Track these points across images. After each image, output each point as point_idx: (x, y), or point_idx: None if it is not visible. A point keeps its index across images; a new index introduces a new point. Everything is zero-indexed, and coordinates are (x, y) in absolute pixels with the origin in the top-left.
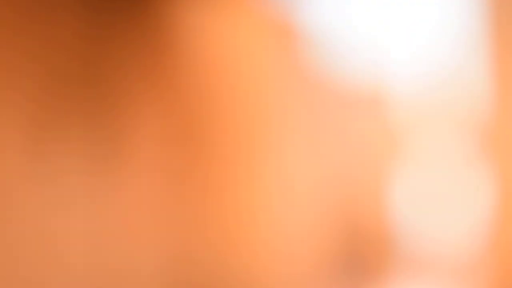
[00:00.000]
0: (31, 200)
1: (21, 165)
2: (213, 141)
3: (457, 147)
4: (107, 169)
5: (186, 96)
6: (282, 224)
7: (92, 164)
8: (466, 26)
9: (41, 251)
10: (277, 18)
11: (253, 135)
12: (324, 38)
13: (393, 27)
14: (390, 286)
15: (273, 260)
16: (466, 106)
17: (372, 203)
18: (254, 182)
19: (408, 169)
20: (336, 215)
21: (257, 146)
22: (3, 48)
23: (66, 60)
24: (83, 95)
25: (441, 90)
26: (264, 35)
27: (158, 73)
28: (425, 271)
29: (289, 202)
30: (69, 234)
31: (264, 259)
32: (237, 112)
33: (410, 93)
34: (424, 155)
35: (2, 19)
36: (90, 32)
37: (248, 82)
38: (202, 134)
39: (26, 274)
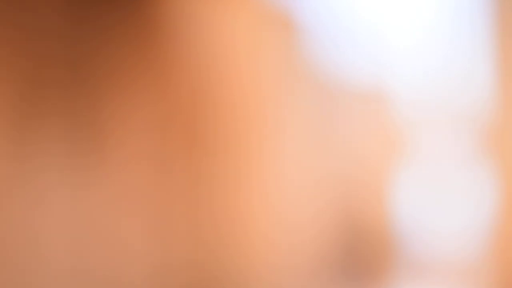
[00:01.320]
0: (10, 199)
1: (1, 165)
2: (209, 136)
3: (461, 145)
4: (90, 167)
5: (181, 90)
6: (281, 221)
7: (74, 166)
8: (472, 23)
9: (21, 251)
10: (277, 10)
11: (251, 129)
12: (326, 32)
13: (397, 22)
14: (390, 285)
15: (272, 258)
16: (470, 104)
17: (373, 200)
18: (252, 178)
19: (410, 167)
20: (337, 214)
21: (255, 141)
22: None
23: (47, 56)
24: (65, 93)
25: (445, 87)
26: (264, 28)
27: (151, 68)
28: (427, 271)
29: (288, 199)
30: (51, 233)
31: (263, 258)
32: (235, 106)
33: (412, 90)
34: (426, 154)
35: None
36: (73, 25)
37: (247, 76)
38: (197, 127)
39: (5, 276)
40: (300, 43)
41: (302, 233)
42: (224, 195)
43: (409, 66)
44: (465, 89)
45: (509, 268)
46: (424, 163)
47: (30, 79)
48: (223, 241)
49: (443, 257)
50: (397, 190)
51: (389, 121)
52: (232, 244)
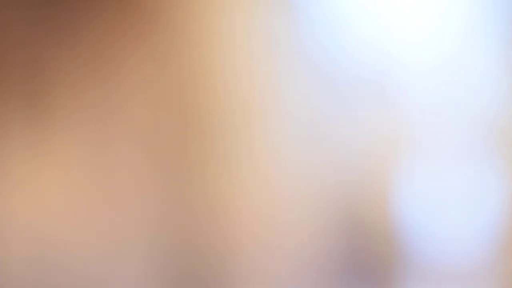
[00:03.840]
0: None
1: None
2: (203, 123)
3: (470, 142)
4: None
5: (174, 76)
6: (277, 219)
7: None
8: (482, 17)
9: None
10: None
11: (249, 119)
12: (329, 18)
13: (406, 10)
14: None
15: (267, 258)
16: (480, 100)
17: (377, 199)
18: (248, 171)
19: (416, 165)
20: (338, 211)
21: (252, 132)
22: None
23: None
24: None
25: (454, 82)
26: (261, 13)
27: (138, 52)
28: (435, 274)
29: (286, 195)
30: (11, 220)
31: (256, 258)
32: (231, 98)
33: (420, 84)
34: (433, 151)
35: None
36: (38, 11)
37: (243, 62)
38: (188, 112)
39: None
40: (300, 29)
41: (300, 232)
42: (219, 186)
43: (417, 58)
44: (476, 85)
45: None
46: (431, 161)
47: None
48: (216, 232)
49: (450, 259)
50: (403, 188)
51: (397, 113)
52: (220, 245)
